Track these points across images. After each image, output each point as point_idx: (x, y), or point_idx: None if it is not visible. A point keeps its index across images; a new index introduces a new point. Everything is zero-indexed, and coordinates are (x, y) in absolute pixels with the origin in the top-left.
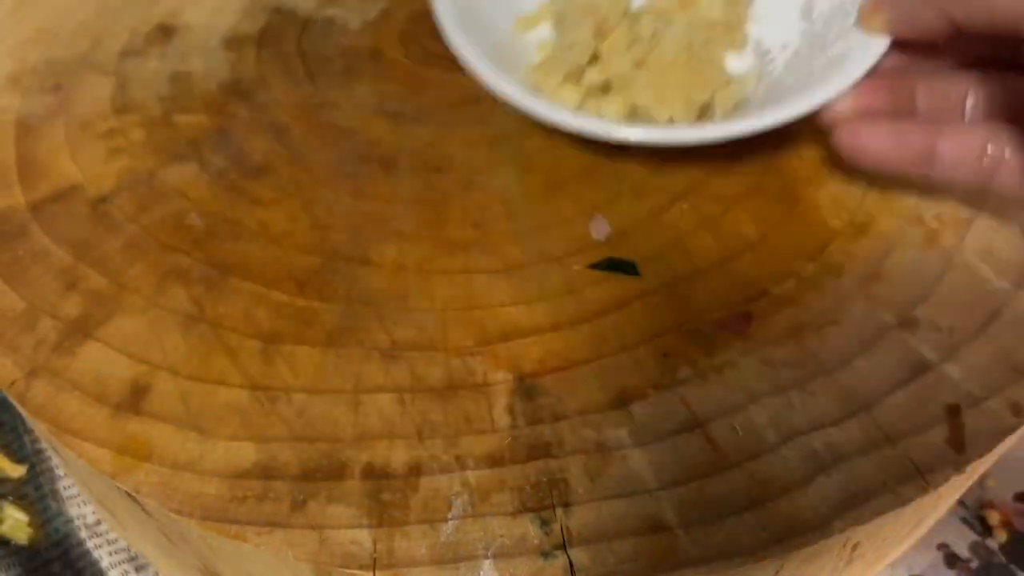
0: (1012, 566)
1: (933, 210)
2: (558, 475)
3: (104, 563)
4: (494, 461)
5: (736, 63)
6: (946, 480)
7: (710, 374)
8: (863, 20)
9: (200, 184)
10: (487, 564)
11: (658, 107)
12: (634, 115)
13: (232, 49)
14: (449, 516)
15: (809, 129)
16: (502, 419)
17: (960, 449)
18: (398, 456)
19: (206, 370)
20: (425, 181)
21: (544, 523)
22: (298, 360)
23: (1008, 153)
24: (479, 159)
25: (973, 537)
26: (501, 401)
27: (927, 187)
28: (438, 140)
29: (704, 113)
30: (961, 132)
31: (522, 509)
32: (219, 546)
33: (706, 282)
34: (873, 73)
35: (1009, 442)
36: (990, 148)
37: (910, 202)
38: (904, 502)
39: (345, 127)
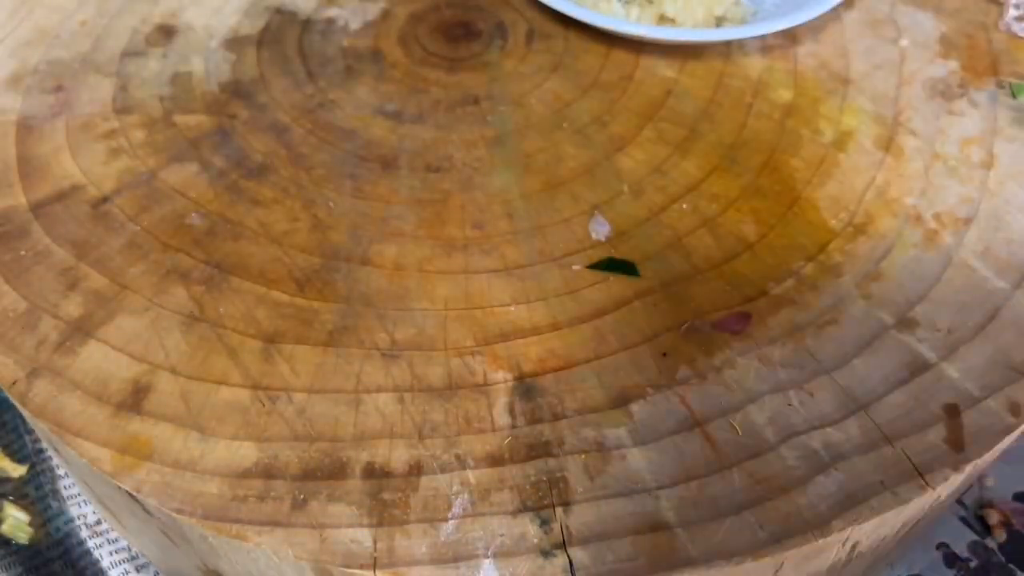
0: (1011, 566)
1: (932, 210)
2: (558, 474)
3: (105, 563)
4: (494, 460)
5: None
6: (945, 480)
7: (709, 374)
8: None
9: (200, 184)
10: (487, 563)
11: (684, 16)
12: (663, 23)
13: (232, 49)
14: (449, 515)
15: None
16: (502, 419)
17: (959, 449)
18: (398, 455)
19: (207, 370)
20: (425, 181)
21: (544, 522)
22: (298, 360)
23: None
24: (479, 159)
25: (972, 537)
26: (501, 401)
27: (925, 187)
28: (438, 140)
29: (719, 24)
30: None
31: (522, 508)
32: (220, 545)
33: (705, 282)
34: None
35: (1008, 442)
36: None
37: (909, 202)
38: (903, 502)
39: (345, 127)
